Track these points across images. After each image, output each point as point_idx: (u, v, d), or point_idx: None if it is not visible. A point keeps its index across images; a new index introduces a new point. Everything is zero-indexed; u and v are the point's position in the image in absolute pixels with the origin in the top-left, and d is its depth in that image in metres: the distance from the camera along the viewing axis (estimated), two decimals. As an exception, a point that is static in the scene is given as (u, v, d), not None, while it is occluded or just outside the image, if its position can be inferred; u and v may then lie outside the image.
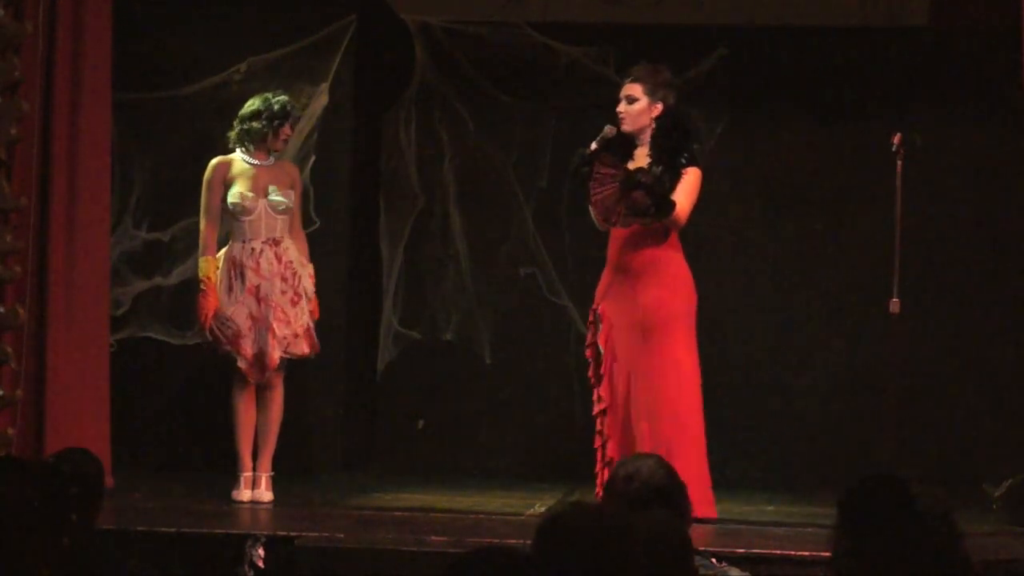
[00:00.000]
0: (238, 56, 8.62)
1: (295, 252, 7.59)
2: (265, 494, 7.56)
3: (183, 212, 8.48)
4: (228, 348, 7.50)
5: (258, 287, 7.48)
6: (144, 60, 8.67)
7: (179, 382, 8.95)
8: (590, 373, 7.16)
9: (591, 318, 7.16)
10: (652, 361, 6.91)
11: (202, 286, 7.52)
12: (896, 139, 7.17)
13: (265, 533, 6.34)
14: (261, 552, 6.23)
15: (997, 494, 7.28)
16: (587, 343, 7.19)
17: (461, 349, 9.04)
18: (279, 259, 7.53)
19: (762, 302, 9.10)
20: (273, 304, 7.47)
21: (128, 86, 8.26)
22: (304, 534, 6.36)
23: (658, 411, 6.89)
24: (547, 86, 8.84)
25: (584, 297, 8.83)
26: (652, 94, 7.06)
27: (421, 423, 9.34)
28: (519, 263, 9.00)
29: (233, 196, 7.52)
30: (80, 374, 7.61)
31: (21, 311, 7.45)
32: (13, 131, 7.42)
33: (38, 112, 7.50)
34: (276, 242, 7.55)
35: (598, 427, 7.09)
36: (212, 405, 8.82)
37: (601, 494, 4.50)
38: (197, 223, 7.89)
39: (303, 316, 7.56)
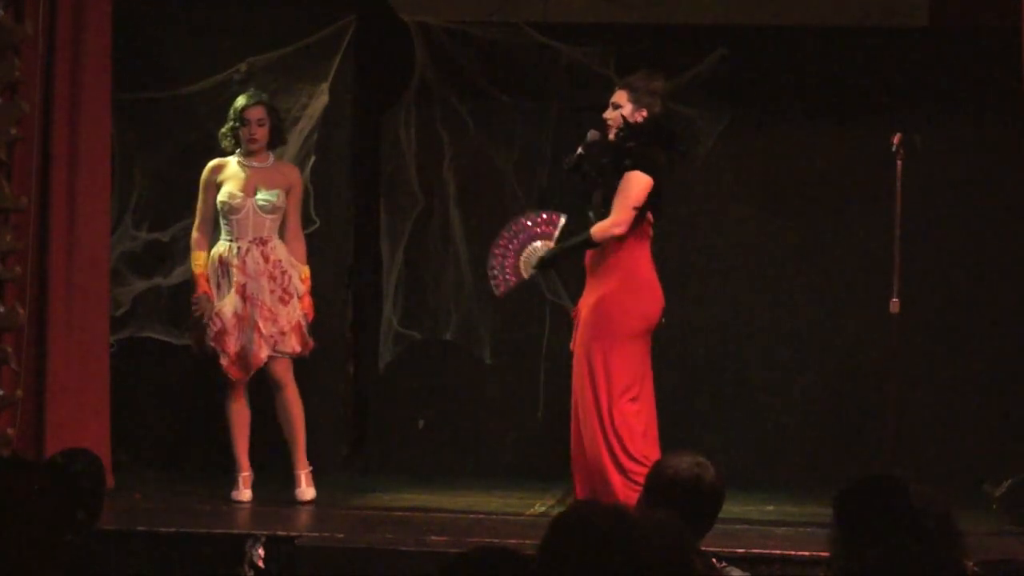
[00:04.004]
0: (238, 56, 8.62)
1: (284, 252, 7.60)
2: (308, 491, 7.57)
3: (183, 212, 8.47)
4: (213, 345, 7.52)
5: (244, 285, 7.50)
6: (144, 60, 8.66)
7: (179, 382, 8.95)
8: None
9: (572, 316, 7.20)
10: (584, 356, 6.93)
11: (195, 274, 7.58)
12: (896, 139, 7.18)
13: (265, 533, 6.34)
14: (261, 552, 6.24)
15: (997, 494, 7.28)
16: (572, 342, 7.22)
17: (461, 349, 9.03)
18: (266, 258, 7.55)
19: (761, 302, 9.09)
20: (259, 303, 7.49)
21: (128, 86, 8.26)
22: (304, 534, 6.37)
23: (581, 409, 6.93)
24: (547, 86, 8.83)
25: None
26: (636, 101, 7.07)
27: (421, 423, 9.34)
28: (519, 263, 8.99)
29: (222, 195, 7.58)
30: (80, 374, 7.61)
31: (21, 311, 7.45)
32: (13, 131, 7.43)
33: (38, 112, 7.51)
34: (263, 241, 7.57)
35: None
36: (212, 405, 8.82)
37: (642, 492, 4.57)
38: (197, 223, 7.92)
39: (294, 314, 7.56)
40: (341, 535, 6.65)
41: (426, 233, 9.00)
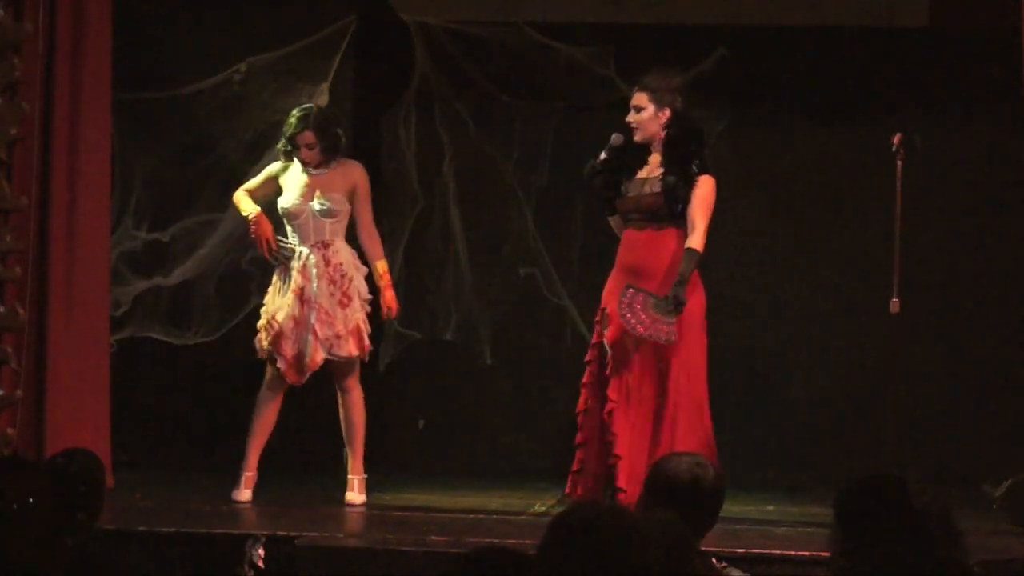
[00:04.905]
0: (238, 56, 8.62)
1: (347, 255, 7.57)
2: (358, 497, 7.58)
3: (183, 212, 8.49)
4: (270, 348, 7.51)
5: (302, 289, 7.49)
6: (144, 60, 8.67)
7: (179, 382, 8.96)
8: (587, 372, 7.14)
9: (597, 317, 7.15)
10: (665, 360, 6.95)
11: (248, 217, 7.57)
12: (896, 139, 7.18)
13: (265, 533, 6.34)
14: (261, 552, 6.23)
15: (997, 494, 7.28)
16: (591, 343, 7.19)
17: (461, 349, 9.04)
18: (327, 262, 7.52)
19: (761, 302, 9.10)
20: (317, 306, 7.47)
21: (128, 86, 8.26)
22: (304, 534, 6.36)
23: (669, 410, 6.93)
24: (547, 86, 8.83)
25: (584, 297, 8.83)
26: (658, 101, 7.10)
27: (421, 423, 9.34)
28: (519, 263, 9.00)
29: (282, 201, 7.59)
30: (80, 374, 7.61)
31: (21, 311, 7.45)
32: (13, 131, 7.43)
33: (38, 112, 7.51)
34: (325, 245, 7.55)
35: (614, 429, 7.02)
36: (212, 405, 8.84)
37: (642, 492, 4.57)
38: (197, 223, 7.92)
39: (354, 316, 7.52)
40: (341, 535, 6.65)
41: (426, 233, 9.01)
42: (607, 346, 7.03)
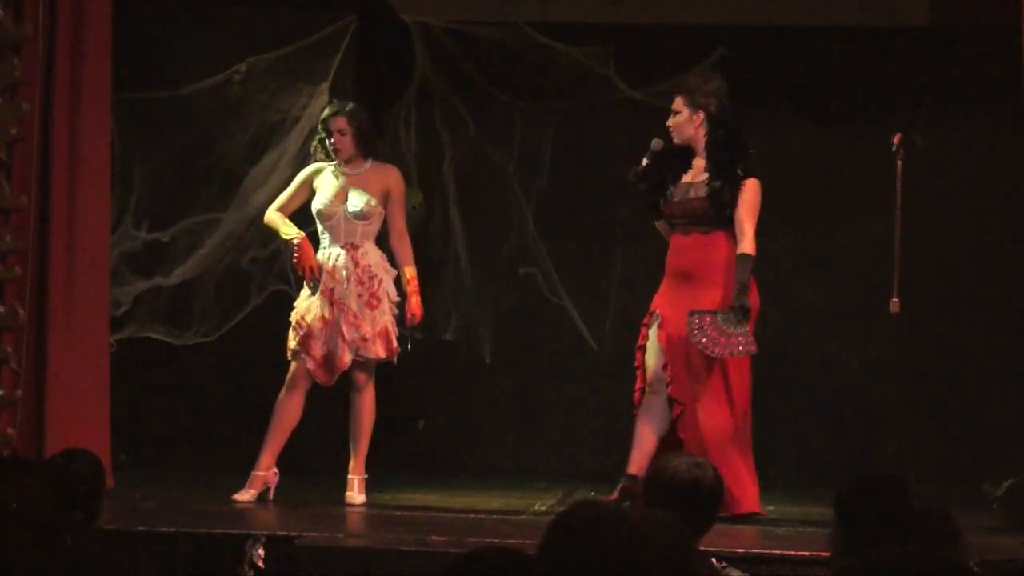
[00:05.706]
0: (238, 56, 8.63)
1: (376, 257, 7.58)
2: (358, 496, 7.58)
3: (183, 212, 8.49)
4: (297, 348, 7.51)
5: (332, 290, 7.50)
6: (144, 60, 8.67)
7: (179, 382, 8.95)
8: (638, 376, 7.16)
9: (646, 320, 7.17)
10: (718, 364, 6.98)
11: (292, 241, 7.55)
12: (896, 139, 7.18)
13: (265, 533, 6.34)
14: (261, 552, 6.23)
15: (997, 494, 7.28)
16: (638, 345, 7.21)
17: (461, 349, 9.04)
18: (356, 263, 7.53)
19: (761, 302, 9.08)
20: (345, 308, 7.48)
21: (128, 86, 8.26)
22: (304, 534, 6.36)
23: (716, 409, 6.97)
24: (547, 86, 8.84)
25: (584, 297, 8.84)
26: (692, 104, 7.15)
27: (421, 423, 9.34)
28: (519, 263, 9.01)
29: (316, 203, 7.61)
30: (80, 374, 7.61)
31: (21, 311, 7.46)
32: (13, 131, 7.43)
33: (38, 112, 7.51)
34: (355, 247, 7.56)
35: (680, 435, 7.04)
36: (211, 405, 8.83)
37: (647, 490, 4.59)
38: (197, 223, 7.90)
39: (382, 319, 7.54)
40: (341, 535, 6.65)
41: (426, 233, 9.01)
42: (663, 350, 7.04)
